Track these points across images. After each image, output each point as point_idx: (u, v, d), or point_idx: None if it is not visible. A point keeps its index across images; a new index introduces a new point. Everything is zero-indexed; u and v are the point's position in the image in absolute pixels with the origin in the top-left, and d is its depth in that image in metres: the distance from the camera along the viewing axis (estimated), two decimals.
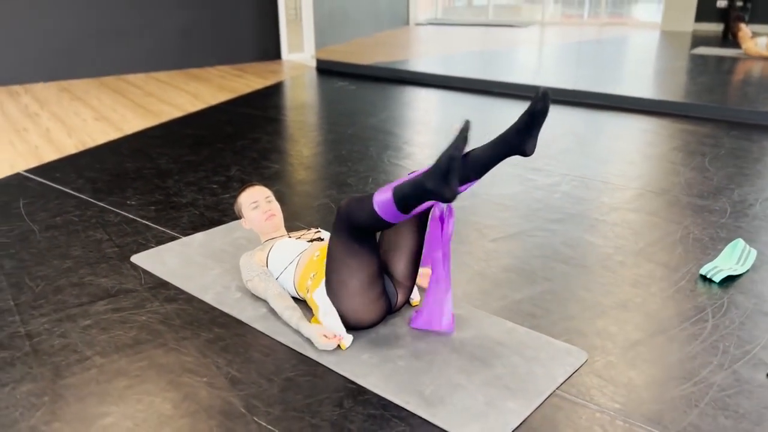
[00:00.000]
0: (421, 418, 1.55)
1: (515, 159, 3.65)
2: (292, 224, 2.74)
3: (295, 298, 2.06)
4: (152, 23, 7.07)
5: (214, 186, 3.26)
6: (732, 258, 2.36)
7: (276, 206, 2.25)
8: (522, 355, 1.79)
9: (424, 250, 1.96)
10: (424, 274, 2.15)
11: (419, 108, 5.31)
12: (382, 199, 1.63)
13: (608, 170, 3.48)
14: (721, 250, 2.46)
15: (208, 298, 2.11)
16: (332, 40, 8.77)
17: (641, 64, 7.06)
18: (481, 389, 1.64)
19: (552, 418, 1.56)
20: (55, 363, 1.78)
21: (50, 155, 3.84)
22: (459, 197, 3.04)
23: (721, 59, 7.25)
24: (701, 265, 2.35)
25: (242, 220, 2.27)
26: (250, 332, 1.92)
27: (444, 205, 1.79)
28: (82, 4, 6.58)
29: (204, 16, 7.42)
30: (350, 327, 1.86)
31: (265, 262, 2.09)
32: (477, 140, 4.36)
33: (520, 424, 1.53)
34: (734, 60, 7.21)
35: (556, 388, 1.66)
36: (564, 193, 3.13)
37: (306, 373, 1.73)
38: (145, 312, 2.04)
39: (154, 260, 2.39)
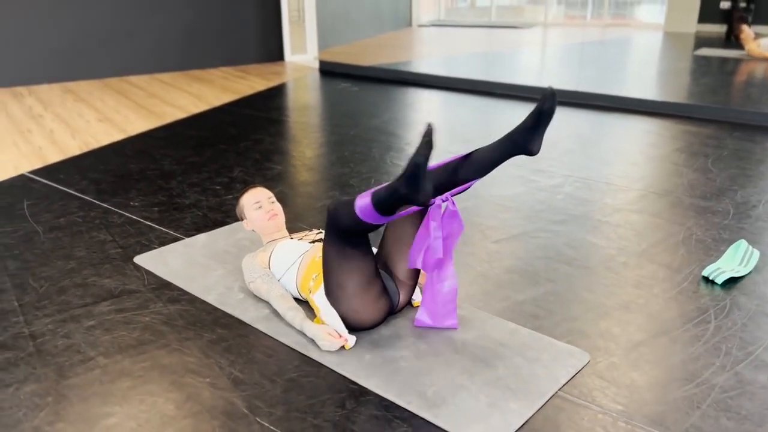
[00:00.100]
0: (423, 419, 1.55)
1: (518, 160, 3.65)
2: (295, 225, 2.75)
3: (297, 299, 2.06)
4: (155, 25, 7.09)
5: (217, 187, 3.27)
6: (735, 259, 2.36)
7: (278, 207, 2.26)
8: (524, 356, 1.79)
9: (411, 249, 1.95)
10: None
11: (422, 109, 5.31)
12: (363, 204, 1.65)
13: (611, 171, 3.48)
14: (723, 251, 2.46)
15: (211, 299, 2.12)
16: (335, 42, 8.77)
17: (644, 66, 7.06)
18: (484, 390, 1.65)
19: (554, 420, 1.56)
20: (59, 363, 1.78)
21: (54, 156, 3.85)
22: (461, 198, 3.04)
23: (724, 60, 7.24)
24: (704, 267, 2.34)
25: (244, 221, 2.27)
26: (252, 333, 1.92)
27: (443, 206, 1.79)
28: (86, 6, 6.61)
29: (207, 17, 7.43)
30: (352, 328, 1.86)
31: (267, 264, 2.09)
32: (480, 141, 4.36)
33: (523, 425, 1.53)
34: (737, 61, 7.20)
35: (559, 390, 1.66)
36: (567, 194, 3.13)
37: (308, 373, 1.73)
38: (148, 313, 2.04)
39: (157, 261, 2.40)
